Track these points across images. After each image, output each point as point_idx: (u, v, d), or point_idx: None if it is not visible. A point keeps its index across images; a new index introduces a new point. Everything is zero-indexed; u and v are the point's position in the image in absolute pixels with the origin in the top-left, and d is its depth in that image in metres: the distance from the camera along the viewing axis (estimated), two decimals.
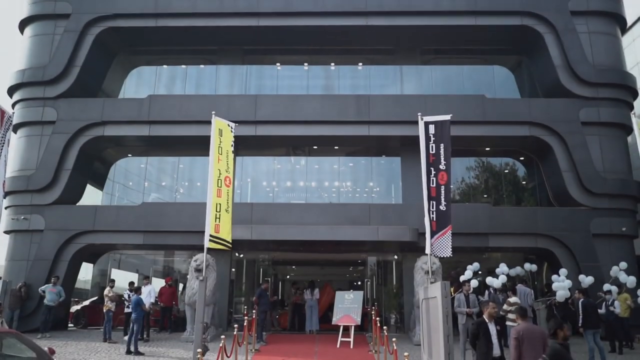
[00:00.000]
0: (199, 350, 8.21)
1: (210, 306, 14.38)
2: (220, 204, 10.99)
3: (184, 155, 18.71)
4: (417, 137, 16.37)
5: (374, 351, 12.50)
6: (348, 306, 13.94)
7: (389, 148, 18.05)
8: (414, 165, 16.65)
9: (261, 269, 24.45)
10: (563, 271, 13.63)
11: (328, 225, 15.03)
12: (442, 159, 11.09)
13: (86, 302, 18.40)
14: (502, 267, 14.07)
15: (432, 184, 10.97)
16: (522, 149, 17.74)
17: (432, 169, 11.05)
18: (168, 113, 16.81)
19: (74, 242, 16.04)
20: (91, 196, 18.26)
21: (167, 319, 15.93)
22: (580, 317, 11.30)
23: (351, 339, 13.33)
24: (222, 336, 9.15)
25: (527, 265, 15.08)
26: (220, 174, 11.22)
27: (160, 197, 18.48)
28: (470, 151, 17.99)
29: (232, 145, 11.86)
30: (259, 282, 17.25)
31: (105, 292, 14.17)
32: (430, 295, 8.88)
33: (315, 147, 18.62)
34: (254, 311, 13.25)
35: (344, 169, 19.05)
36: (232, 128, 11.97)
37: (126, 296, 14.42)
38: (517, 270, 14.47)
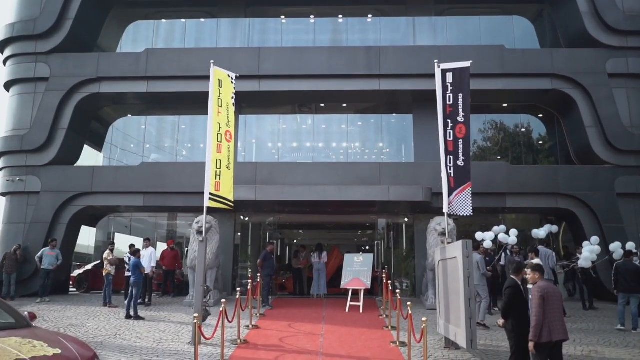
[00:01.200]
0: (196, 315, 7.51)
1: (213, 270, 13.76)
2: (220, 160, 10.16)
3: (184, 114, 17.84)
4: (431, 92, 15.34)
5: (384, 316, 11.84)
6: (357, 269, 13.24)
7: (400, 104, 17.03)
8: (427, 123, 15.78)
9: (267, 233, 23.95)
10: (595, 239, 12.70)
11: (336, 186, 14.20)
12: (461, 110, 10.16)
13: (89, 267, 17.88)
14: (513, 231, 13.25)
15: (449, 137, 10.05)
16: (542, 104, 16.64)
17: (449, 121, 10.12)
18: (167, 68, 15.83)
19: (72, 204, 15.37)
20: (90, 158, 17.53)
21: (169, 283, 15.36)
22: (613, 279, 10.55)
23: (360, 304, 12.67)
24: (223, 300, 8.46)
25: (548, 227, 14.23)
26: (220, 128, 10.34)
27: (161, 159, 17.68)
28: (485, 107, 16.89)
29: (232, 98, 10.93)
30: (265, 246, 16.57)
31: (105, 255, 13.56)
32: (448, 256, 8.09)
33: (322, 104, 17.65)
34: (258, 275, 12.58)
35: (353, 128, 18.10)
36: (232, 79, 11.02)
37: (126, 259, 13.82)
38: (541, 232, 13.66)
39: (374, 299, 14.94)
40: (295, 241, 25.81)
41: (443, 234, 13.11)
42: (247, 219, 18.22)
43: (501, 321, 6.53)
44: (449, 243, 13.11)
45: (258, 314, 11.91)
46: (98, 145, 18.20)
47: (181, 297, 14.56)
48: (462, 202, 9.72)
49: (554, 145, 17.16)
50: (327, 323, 11.08)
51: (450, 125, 10.09)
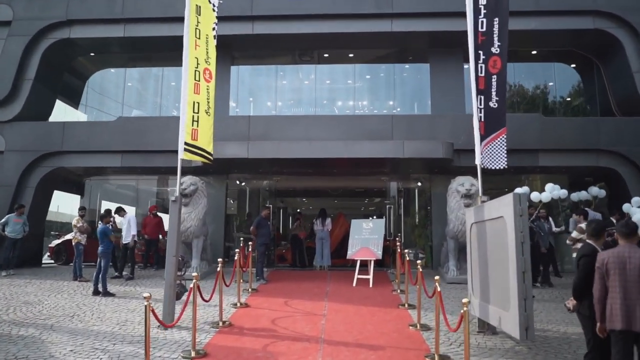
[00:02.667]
0: (146, 294, 5.71)
1: (199, 238, 12.01)
2: (198, 104, 8.25)
3: (169, 65, 15.80)
4: (451, 35, 13.31)
5: (398, 291, 10.06)
6: (367, 237, 11.41)
7: (414, 52, 14.95)
8: (446, 73, 13.82)
9: (267, 202, 22.27)
10: (636, 200, 10.77)
11: (342, 141, 12.26)
12: (496, 39, 8.16)
13: (68, 236, 16.13)
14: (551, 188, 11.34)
15: (481, 72, 8.06)
16: (580, 48, 14.46)
17: (481, 52, 8.11)
18: (147, 8, 13.79)
19: (41, 165, 13.56)
20: (64, 116, 15.63)
21: (152, 253, 13.63)
22: None
23: (370, 277, 10.89)
24: (193, 274, 6.69)
25: (595, 190, 12.27)
26: (197, 64, 8.39)
27: (144, 115, 15.76)
28: (512, 54, 14.68)
29: (214, 29, 8.93)
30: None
31: (74, 222, 11.79)
32: (488, 216, 6.20)
33: (326, 55, 15.58)
34: (250, 244, 10.78)
35: (360, 84, 16.00)
36: (214, 6, 8.99)
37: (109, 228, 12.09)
38: (582, 194, 11.75)
39: (384, 271, 13.17)
40: (298, 210, 23.99)
41: (467, 195, 11.31)
42: (243, 183, 16.39)
43: (572, 302, 4.68)
44: (467, 205, 11.31)
45: (249, 289, 10.16)
46: (74, 101, 16.28)
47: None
48: (494, 153, 7.84)
49: (591, 96, 15.04)
50: (331, 300, 9.31)
51: (482, 57, 8.09)
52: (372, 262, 11.08)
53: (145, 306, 4.77)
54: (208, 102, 8.46)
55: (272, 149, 12.09)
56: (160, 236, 13.45)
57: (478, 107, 7.85)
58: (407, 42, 14.29)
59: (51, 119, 14.92)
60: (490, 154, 7.69)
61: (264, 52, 15.24)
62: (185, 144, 8.06)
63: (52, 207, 16.98)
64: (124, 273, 11.97)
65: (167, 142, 13.06)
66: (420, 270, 7.39)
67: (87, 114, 16.17)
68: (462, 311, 4.66)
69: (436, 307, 5.92)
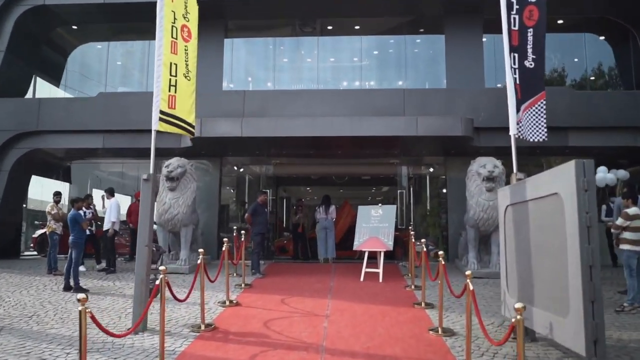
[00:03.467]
0: (81, 296, 4.52)
1: (188, 227, 10.84)
2: (176, 65, 7.05)
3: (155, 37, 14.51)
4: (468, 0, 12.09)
5: (412, 286, 8.87)
6: (375, 226, 10.20)
7: (428, 20, 13.63)
8: (463, 44, 12.51)
9: (270, 191, 21.14)
10: None
11: (347, 117, 11.01)
12: None
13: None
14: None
15: (514, 25, 6.80)
16: (613, 15, 13.11)
17: (514, 1, 6.81)
18: None
19: (14, 146, 12.42)
20: (44, 94, 14.46)
21: None
22: None
23: (380, 270, 9.70)
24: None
25: (622, 172, 11.02)
26: (175, 19, 7.20)
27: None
28: None
29: None
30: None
31: (47, 208, 10.65)
32: (535, 195, 4.96)
33: (330, 27, 14.31)
34: (242, 232, 9.58)
35: (367, 60, 14.70)
36: None
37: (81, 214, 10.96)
38: (620, 173, 10.49)
39: (395, 264, 11.99)
40: (301, 199, 22.80)
41: (489, 178, 10.09)
42: (241, 170, 15.20)
43: None
44: (489, 189, 10.07)
45: (242, 285, 8.99)
46: (55, 78, 15.08)
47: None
48: (532, 122, 6.57)
49: (625, 69, 13.69)
50: (335, 297, 8.13)
51: (515, 7, 6.81)
52: (382, 254, 9.88)
53: (80, 312, 3.58)
54: (187, 65, 7.26)
55: (269, 126, 10.86)
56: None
57: (512, 67, 6.57)
58: (420, 8, 12.96)
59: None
60: (529, 122, 6.43)
61: (260, 22, 13.95)
62: (161, 112, 6.86)
63: (37, 195, 15.89)
64: (96, 266, 10.90)
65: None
66: (443, 262, 6.17)
67: (69, 92, 14.97)
68: (513, 319, 3.44)
69: (467, 308, 4.73)
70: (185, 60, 7.18)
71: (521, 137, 6.43)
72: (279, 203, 22.09)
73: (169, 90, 6.93)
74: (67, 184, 16.03)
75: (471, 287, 4.55)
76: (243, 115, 11.57)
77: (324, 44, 14.47)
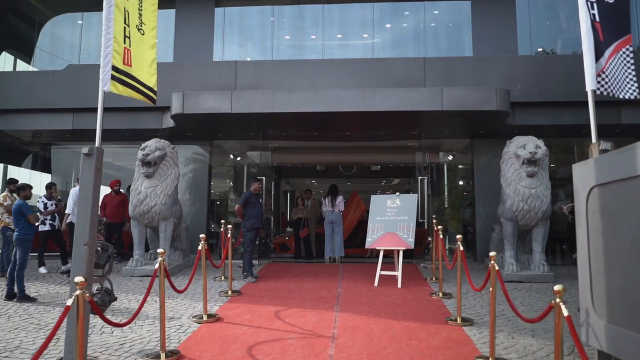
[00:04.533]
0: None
1: (168, 221, 9.20)
2: (128, 13, 5.35)
3: None
4: None
5: (440, 294, 7.17)
6: (392, 219, 8.50)
7: None
8: (492, 6, 10.69)
9: (272, 183, 19.57)
10: None
11: (359, 89, 9.28)
12: None
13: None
14: None
15: None
16: None
17: None
18: None
19: None
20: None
21: (115, 241, 10.86)
22: None
23: (398, 273, 8.01)
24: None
25: None
26: None
27: None
28: None
29: None
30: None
31: (0, 199, 9.01)
32: None
33: None
34: (228, 226, 7.89)
35: (380, 38, 12.90)
36: None
37: (40, 205, 9.37)
38: None
39: (414, 264, 10.32)
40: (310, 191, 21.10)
41: (531, 161, 8.43)
42: (238, 158, 13.54)
43: None
44: (531, 174, 8.36)
45: (229, 292, 7.33)
46: (26, 54, 13.45)
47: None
48: (619, 72, 4.82)
49: None
50: (344, 309, 6.45)
51: None
52: (401, 254, 8.18)
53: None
54: (140, 15, 5.56)
55: (264, 100, 9.16)
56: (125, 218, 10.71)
57: (588, 1, 4.83)
58: None
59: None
60: (613, 74, 4.70)
61: None
62: (114, 69, 5.16)
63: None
64: (61, 267, 9.33)
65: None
66: (496, 267, 4.48)
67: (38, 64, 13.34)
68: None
69: (557, 334, 3.03)
70: (139, 9, 5.49)
71: (605, 92, 4.69)
72: (277, 195, 20.52)
73: (124, 42, 5.22)
74: (48, 175, 14.42)
75: (564, 312, 2.84)
76: (235, 88, 9.89)
77: (330, 12, 12.68)
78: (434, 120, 9.79)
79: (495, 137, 10.66)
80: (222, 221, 8.91)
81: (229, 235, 7.59)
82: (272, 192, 18.72)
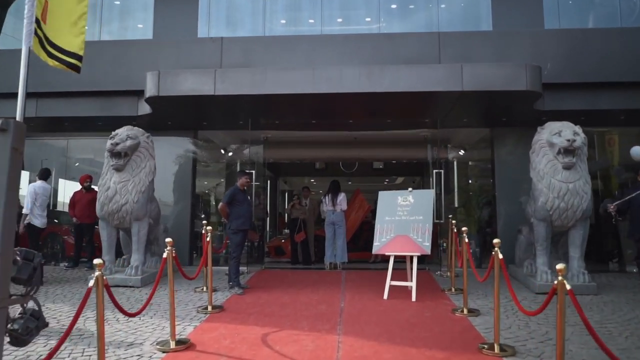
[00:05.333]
0: None
1: (142, 222, 7.98)
2: None
3: None
4: None
5: (464, 310, 5.91)
6: (404, 219, 7.24)
7: None
8: None
9: (269, 181, 18.32)
10: None
11: (364, 66, 8.01)
12: None
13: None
14: None
15: None
16: None
17: None
18: None
19: None
20: None
21: (85, 244, 9.62)
22: None
23: (413, 284, 6.76)
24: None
25: None
26: None
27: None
28: None
29: None
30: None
31: None
32: None
33: None
34: (208, 227, 6.59)
35: (385, 22, 11.61)
36: None
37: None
38: None
39: (427, 271, 9.08)
40: (308, 188, 19.81)
41: (568, 151, 7.19)
42: (230, 153, 12.27)
43: None
44: (569, 166, 7.13)
45: (209, 308, 6.08)
46: None
47: None
48: None
49: None
50: (350, 331, 5.19)
51: None
52: (415, 260, 6.91)
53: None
54: None
55: (253, 80, 7.90)
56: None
57: None
58: None
59: None
60: None
61: None
62: (37, 22, 3.86)
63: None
64: None
65: (104, 78, 9.10)
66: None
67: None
68: None
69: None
70: None
71: None
72: (272, 194, 19.28)
73: None
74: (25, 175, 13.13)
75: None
76: (220, 66, 8.65)
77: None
78: (450, 105, 8.53)
79: (519, 126, 9.43)
80: (204, 222, 7.64)
81: (208, 239, 6.31)
82: (268, 190, 17.53)
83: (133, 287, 7.55)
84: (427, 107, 8.86)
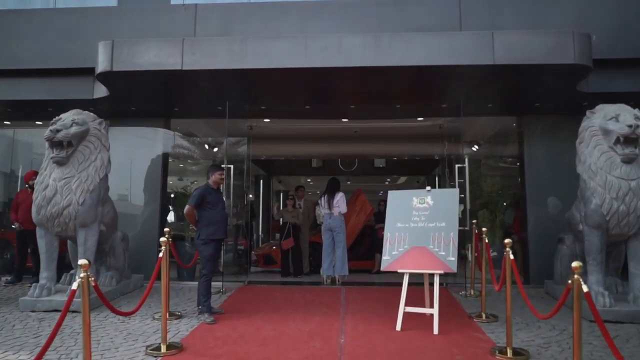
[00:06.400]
0: None
1: (90, 229, 6.46)
2: None
3: None
4: None
5: (508, 352, 4.36)
6: (422, 226, 5.69)
7: None
8: None
9: (261, 181, 17.04)
10: None
11: (370, 34, 6.44)
12: None
13: None
14: None
15: None
16: None
17: None
18: None
19: None
20: None
21: (30, 253, 8.06)
22: None
23: (434, 311, 5.19)
24: None
25: None
26: None
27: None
28: None
29: None
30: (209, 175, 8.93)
31: None
32: None
33: None
34: (163, 239, 5.01)
35: None
36: None
37: None
38: None
39: (444, 288, 7.56)
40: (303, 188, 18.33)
41: (630, 140, 5.67)
42: (215, 149, 10.73)
43: None
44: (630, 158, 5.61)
45: (162, 348, 4.51)
46: None
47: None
48: None
49: None
50: None
51: None
52: (437, 280, 5.35)
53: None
54: None
55: (230, 51, 6.36)
56: None
57: None
58: None
59: None
60: None
61: None
62: None
63: None
64: None
65: (51, 53, 7.56)
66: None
67: None
68: None
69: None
70: None
71: None
72: (273, 197, 17.84)
73: None
74: None
75: None
76: (194, 35, 7.10)
77: None
78: (475, 86, 6.99)
79: (554, 114, 7.91)
80: (166, 229, 6.08)
81: (160, 255, 4.74)
82: (260, 190, 16.04)
83: (76, 312, 5.99)
84: (446, 88, 7.32)
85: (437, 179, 14.04)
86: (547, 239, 7.53)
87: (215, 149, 10.88)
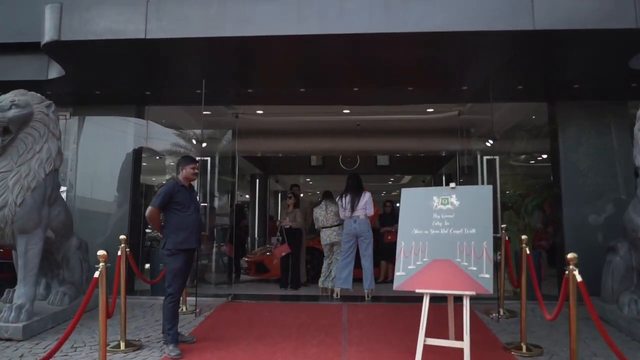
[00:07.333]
0: None
1: (32, 235, 5.26)
2: None
3: None
4: None
5: None
6: (445, 232, 4.48)
7: None
8: None
9: (257, 180, 16.02)
10: None
11: None
12: None
13: None
14: None
15: None
16: None
17: None
18: None
19: None
20: None
21: None
22: None
23: (465, 345, 3.96)
24: None
25: None
26: None
27: None
28: None
29: None
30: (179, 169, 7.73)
31: None
32: None
33: None
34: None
35: None
36: None
37: None
38: None
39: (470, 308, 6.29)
40: (298, 187, 17.16)
41: None
42: (204, 144, 9.51)
43: None
44: None
45: None
46: None
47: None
48: None
49: None
50: None
51: None
52: (468, 302, 4.13)
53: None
54: None
55: (205, 16, 5.17)
56: None
57: None
58: None
59: None
60: None
61: None
62: None
63: None
64: None
65: (5, 26, 6.42)
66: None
67: None
68: None
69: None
70: None
71: None
72: (270, 197, 16.76)
73: None
74: None
75: None
76: None
77: None
78: (506, 59, 5.78)
79: (594, 98, 6.72)
80: (122, 236, 4.89)
81: (96, 274, 3.55)
82: (256, 190, 14.93)
83: (12, 340, 4.80)
84: (470, 64, 6.10)
85: (443, 178, 12.97)
86: (589, 247, 6.33)
87: (204, 144, 9.71)
